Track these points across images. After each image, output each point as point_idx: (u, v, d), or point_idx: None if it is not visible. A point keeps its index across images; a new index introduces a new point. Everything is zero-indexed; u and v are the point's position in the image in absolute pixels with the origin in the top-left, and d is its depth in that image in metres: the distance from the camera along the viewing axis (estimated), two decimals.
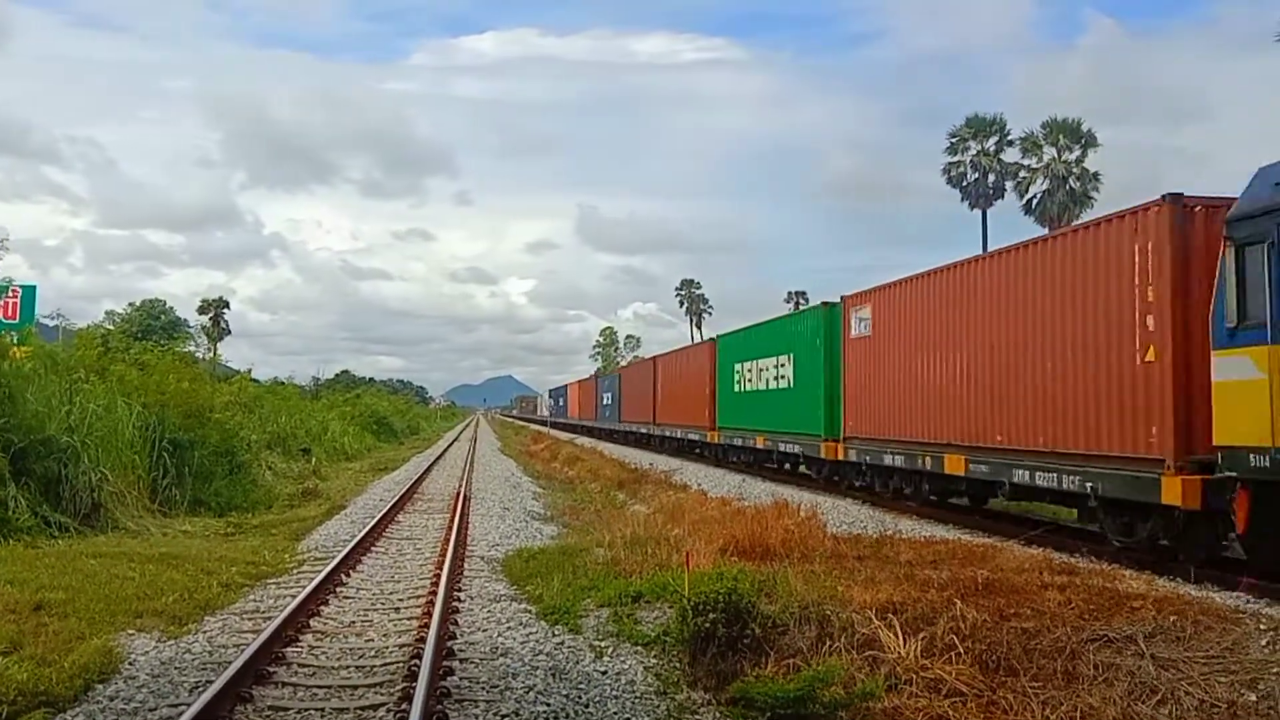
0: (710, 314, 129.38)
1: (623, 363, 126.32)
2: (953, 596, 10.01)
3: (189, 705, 7.53)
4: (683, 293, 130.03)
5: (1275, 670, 8.05)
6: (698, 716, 8.05)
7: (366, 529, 17.71)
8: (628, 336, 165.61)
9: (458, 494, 24.71)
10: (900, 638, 8.65)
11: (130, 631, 10.31)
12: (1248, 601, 11.29)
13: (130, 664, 9.16)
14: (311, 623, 10.92)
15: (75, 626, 10.12)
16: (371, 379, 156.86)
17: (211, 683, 8.10)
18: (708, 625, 8.97)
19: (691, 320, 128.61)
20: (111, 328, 58.31)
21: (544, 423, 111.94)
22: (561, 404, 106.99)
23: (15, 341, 21.92)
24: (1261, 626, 9.12)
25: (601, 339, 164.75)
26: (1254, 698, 7.58)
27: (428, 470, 35.74)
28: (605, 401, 68.44)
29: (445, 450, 53.96)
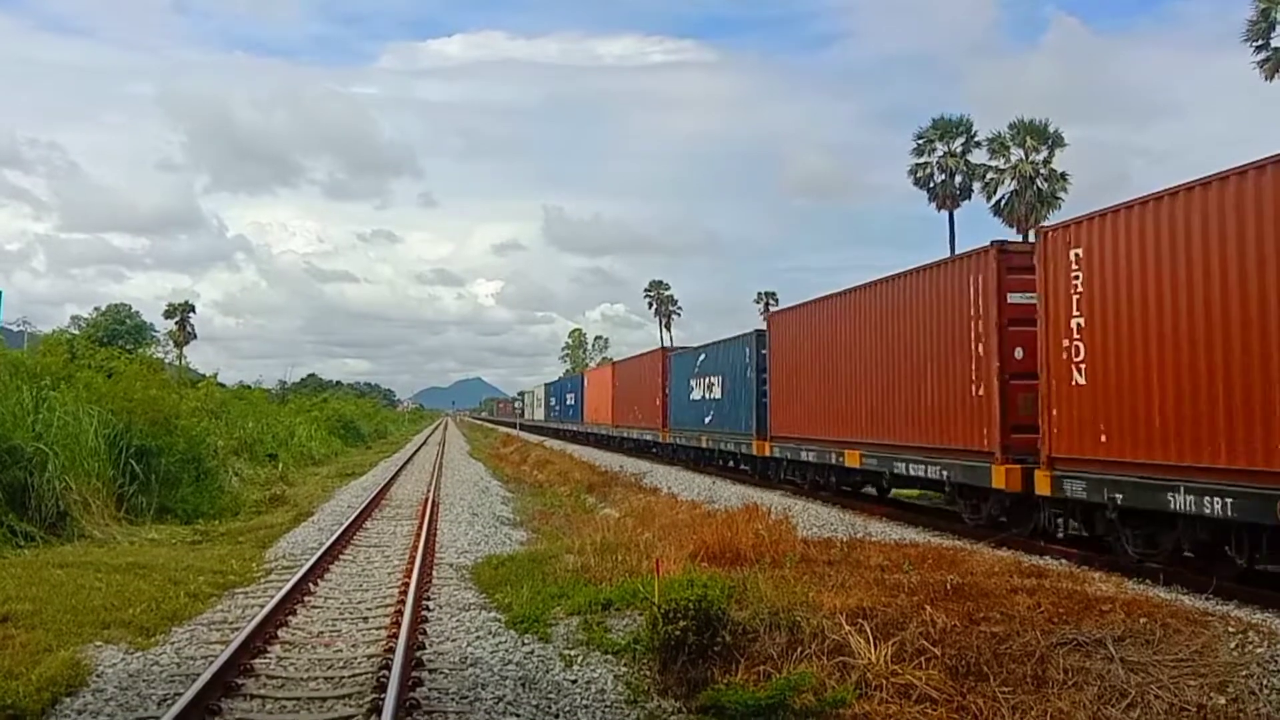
0: (679, 315, 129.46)
1: (592, 364, 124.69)
2: (923, 601, 10.03)
3: (157, 719, 7.47)
4: (651, 294, 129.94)
5: (1245, 673, 8.11)
6: None
7: (334, 536, 17.61)
8: (596, 337, 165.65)
9: (426, 499, 24.63)
10: (870, 643, 8.68)
11: (98, 643, 10.20)
12: (1217, 604, 11.37)
13: (98, 676, 9.07)
14: (280, 633, 10.85)
15: (42, 638, 10.01)
16: (339, 382, 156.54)
17: (180, 695, 8.05)
18: (678, 633, 8.97)
19: (660, 321, 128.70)
20: (77, 333, 57.81)
21: (515, 427, 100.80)
22: (571, 404, 70.72)
23: None
24: (1230, 629, 9.17)
25: (570, 340, 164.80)
26: (1223, 701, 7.63)
27: (396, 475, 35.58)
28: (689, 394, 36.87)
29: (414, 454, 53.76)
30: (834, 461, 22.74)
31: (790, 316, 26.75)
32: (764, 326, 29.06)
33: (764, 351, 28.32)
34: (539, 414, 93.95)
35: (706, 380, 34.84)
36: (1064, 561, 14.32)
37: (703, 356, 35.82)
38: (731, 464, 33.28)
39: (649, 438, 44.41)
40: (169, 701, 8.15)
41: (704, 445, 35.01)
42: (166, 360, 55.46)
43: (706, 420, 34.57)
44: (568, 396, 74.04)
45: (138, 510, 20.63)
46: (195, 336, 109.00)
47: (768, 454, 27.56)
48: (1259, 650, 8.59)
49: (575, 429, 67.49)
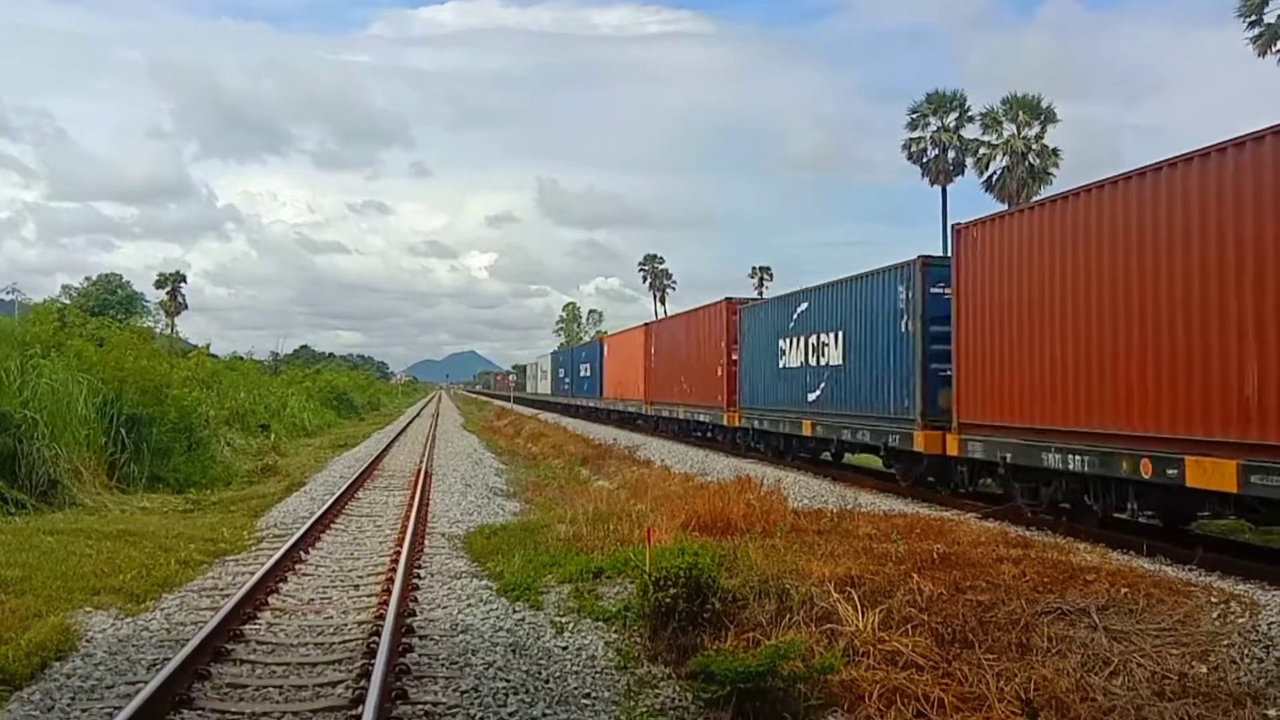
0: (674, 289, 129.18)
1: (586, 338, 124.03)
2: (910, 570, 10.10)
3: (146, 683, 7.49)
4: (646, 267, 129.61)
5: (1226, 642, 8.18)
6: (658, 690, 8.10)
7: (326, 506, 17.65)
8: (591, 311, 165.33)
9: (419, 470, 24.67)
10: (858, 611, 8.74)
11: (87, 609, 10.23)
12: (1200, 575, 11.44)
13: (87, 642, 9.11)
14: (270, 600, 10.89)
15: (32, 604, 10.03)
16: (331, 354, 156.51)
17: (169, 660, 8.08)
18: (668, 600, 9.01)
19: (655, 295, 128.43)
20: (68, 302, 57.74)
21: (509, 401, 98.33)
22: (586, 375, 59.09)
23: None
24: (1213, 599, 9.25)
25: (564, 314, 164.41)
26: (1205, 669, 7.69)
27: (389, 446, 35.60)
28: (778, 361, 26.65)
29: (407, 426, 53.77)
30: (1140, 475, 12.90)
31: (1009, 227, 16.18)
32: (926, 254, 19.32)
33: (937, 289, 18.74)
34: (544, 387, 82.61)
35: (813, 339, 24.38)
36: (1049, 532, 14.35)
37: (804, 305, 25.23)
38: (835, 456, 24.84)
39: (704, 419, 33.54)
40: (158, 666, 8.20)
41: (808, 434, 24.43)
42: (158, 330, 55.44)
43: (812, 397, 24.23)
44: (582, 368, 61.77)
45: (129, 479, 20.68)
46: (186, 307, 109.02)
47: (953, 452, 17.72)
48: (1240, 620, 8.68)
49: (592, 405, 56.51)
